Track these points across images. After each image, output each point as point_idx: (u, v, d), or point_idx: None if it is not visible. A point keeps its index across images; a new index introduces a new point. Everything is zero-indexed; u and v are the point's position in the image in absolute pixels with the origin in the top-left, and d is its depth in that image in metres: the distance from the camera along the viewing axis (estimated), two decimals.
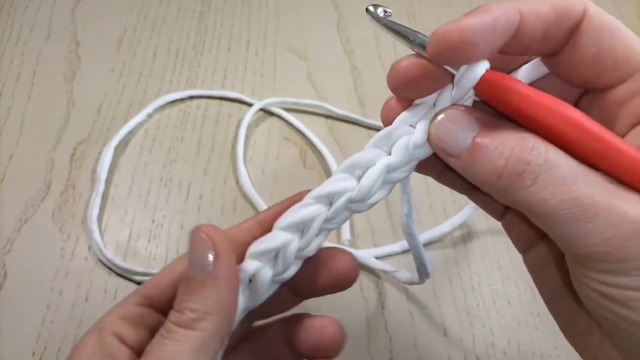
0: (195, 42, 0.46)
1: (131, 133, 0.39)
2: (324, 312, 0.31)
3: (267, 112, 0.42)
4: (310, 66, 0.45)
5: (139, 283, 0.32)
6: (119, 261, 0.32)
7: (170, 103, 0.42)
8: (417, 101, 0.18)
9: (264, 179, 0.38)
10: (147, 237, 0.34)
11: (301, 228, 0.18)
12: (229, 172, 0.38)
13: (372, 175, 0.17)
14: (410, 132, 0.17)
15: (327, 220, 0.18)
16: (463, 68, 0.16)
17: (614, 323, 0.15)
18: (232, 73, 0.44)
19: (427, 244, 0.35)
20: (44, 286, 0.32)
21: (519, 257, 0.34)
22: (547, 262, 0.19)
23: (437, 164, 0.18)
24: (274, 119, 0.41)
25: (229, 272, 0.17)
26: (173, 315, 0.17)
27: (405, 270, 0.31)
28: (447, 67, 0.16)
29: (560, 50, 0.16)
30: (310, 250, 0.18)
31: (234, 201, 0.36)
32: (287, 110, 0.41)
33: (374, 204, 0.18)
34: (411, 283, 0.31)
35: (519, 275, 0.34)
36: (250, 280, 0.18)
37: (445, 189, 0.21)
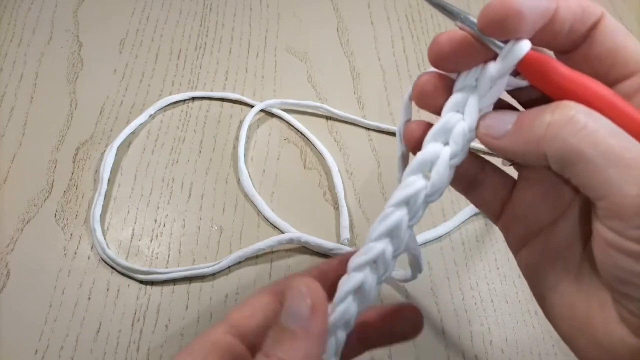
0: (197, 44, 0.47)
1: (133, 134, 0.40)
2: None
3: (267, 113, 0.42)
4: (311, 68, 0.45)
5: (141, 282, 0.33)
6: (121, 260, 0.33)
7: (172, 104, 0.42)
8: (458, 86, 0.18)
9: (265, 179, 0.38)
10: (149, 237, 0.35)
11: (390, 235, 0.19)
12: (230, 172, 0.38)
13: (441, 168, 0.18)
14: (460, 119, 0.18)
15: (410, 219, 0.19)
16: (510, 43, 0.16)
17: (632, 286, 0.15)
18: (233, 74, 0.44)
19: (426, 244, 0.35)
20: (46, 285, 0.32)
21: None
22: (541, 257, 0.19)
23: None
24: (274, 120, 0.42)
25: (321, 330, 0.18)
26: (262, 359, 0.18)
27: (400, 269, 0.32)
28: (491, 43, 0.17)
29: (578, 45, 0.17)
30: (403, 248, 0.20)
31: (235, 201, 0.37)
32: (288, 111, 0.42)
33: (444, 189, 0.19)
34: (405, 280, 0.31)
35: (516, 274, 0.34)
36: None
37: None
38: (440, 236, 0.35)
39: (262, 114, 0.42)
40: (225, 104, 0.42)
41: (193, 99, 0.42)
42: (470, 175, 0.21)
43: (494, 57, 0.17)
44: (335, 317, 0.20)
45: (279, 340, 0.18)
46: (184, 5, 0.50)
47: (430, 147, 0.19)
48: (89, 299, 0.32)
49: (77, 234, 0.34)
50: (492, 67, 0.17)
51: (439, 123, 0.19)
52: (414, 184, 0.19)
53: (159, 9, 0.49)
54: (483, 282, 0.34)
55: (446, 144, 0.19)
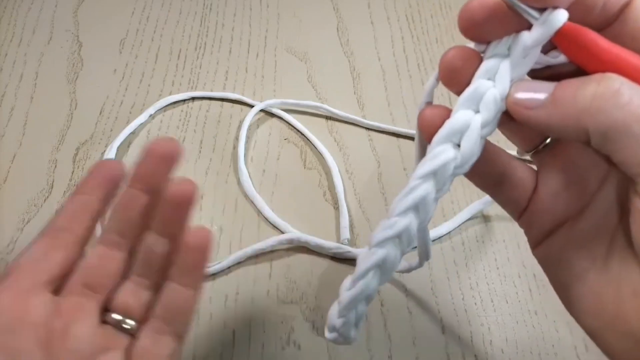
0: (197, 44, 0.47)
1: (133, 134, 0.40)
2: (324, 311, 0.32)
3: (267, 113, 0.42)
4: (311, 68, 0.45)
5: None
6: None
7: (172, 104, 0.42)
8: (489, 54, 0.18)
9: (265, 179, 0.38)
10: None
11: (416, 209, 0.18)
12: (230, 172, 0.38)
13: (472, 137, 0.17)
14: (491, 86, 0.17)
15: (436, 192, 0.18)
16: (548, 11, 0.16)
17: None
18: (233, 74, 0.44)
19: None
20: None
21: (517, 256, 0.35)
22: (564, 249, 0.19)
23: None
24: (274, 120, 0.42)
25: None
26: None
27: (404, 260, 0.31)
28: (525, 13, 0.16)
29: (610, 24, 0.17)
30: (428, 221, 0.19)
31: (235, 201, 0.37)
32: (288, 111, 0.42)
33: (474, 162, 0.18)
34: (409, 270, 0.30)
35: (516, 274, 0.34)
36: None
37: None
38: (440, 236, 0.35)
39: (262, 114, 0.42)
40: (225, 104, 0.42)
41: (193, 99, 0.42)
42: (498, 173, 0.20)
43: (527, 27, 0.17)
44: (356, 292, 0.19)
45: None
46: (184, 5, 0.50)
47: (461, 114, 0.18)
48: None
49: None
50: (527, 36, 0.17)
51: (469, 89, 0.18)
52: (443, 153, 0.18)
53: (159, 9, 0.49)
54: (483, 282, 0.34)
55: (477, 112, 0.18)
